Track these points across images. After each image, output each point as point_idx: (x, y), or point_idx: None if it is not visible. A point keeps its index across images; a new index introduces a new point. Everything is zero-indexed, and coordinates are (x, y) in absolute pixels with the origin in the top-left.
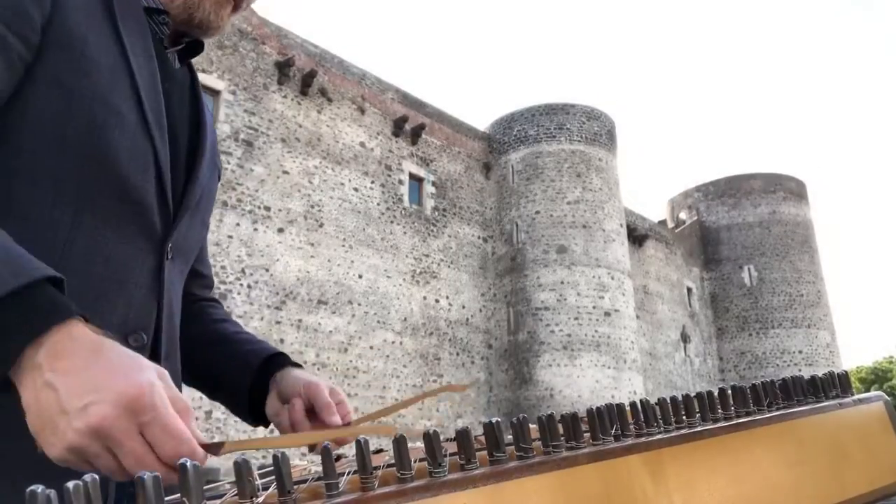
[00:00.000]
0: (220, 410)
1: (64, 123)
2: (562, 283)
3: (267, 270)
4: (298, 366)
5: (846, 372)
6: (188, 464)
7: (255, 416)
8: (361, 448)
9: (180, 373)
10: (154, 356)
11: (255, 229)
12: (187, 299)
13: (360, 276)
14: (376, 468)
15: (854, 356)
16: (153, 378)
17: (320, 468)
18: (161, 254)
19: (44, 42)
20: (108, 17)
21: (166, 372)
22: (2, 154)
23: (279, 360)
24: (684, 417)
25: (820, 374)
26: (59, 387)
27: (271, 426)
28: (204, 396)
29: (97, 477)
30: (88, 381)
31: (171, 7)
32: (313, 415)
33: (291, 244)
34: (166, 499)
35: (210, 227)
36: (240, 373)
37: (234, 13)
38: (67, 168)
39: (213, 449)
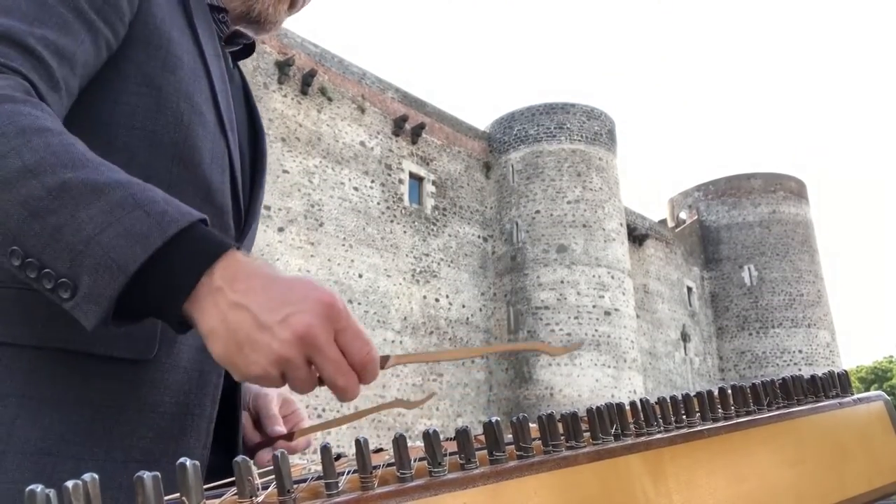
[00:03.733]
0: None
1: (154, 119)
2: (562, 282)
3: None
4: None
5: (846, 371)
6: (188, 463)
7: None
8: (361, 447)
9: None
10: None
11: None
12: None
13: (360, 276)
14: (376, 467)
15: (854, 356)
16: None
17: (320, 467)
18: None
19: (131, 36)
20: (185, 15)
21: None
22: (96, 150)
23: None
24: (684, 417)
25: (820, 374)
26: (250, 304)
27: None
28: None
29: (96, 476)
30: (277, 296)
31: (229, 3)
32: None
33: (291, 243)
34: (165, 498)
35: None
36: None
37: (291, 11)
38: (158, 166)
39: (382, 361)
